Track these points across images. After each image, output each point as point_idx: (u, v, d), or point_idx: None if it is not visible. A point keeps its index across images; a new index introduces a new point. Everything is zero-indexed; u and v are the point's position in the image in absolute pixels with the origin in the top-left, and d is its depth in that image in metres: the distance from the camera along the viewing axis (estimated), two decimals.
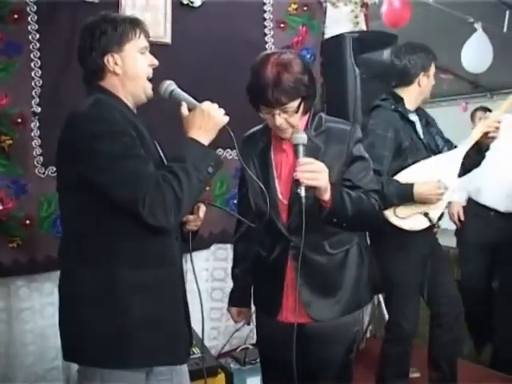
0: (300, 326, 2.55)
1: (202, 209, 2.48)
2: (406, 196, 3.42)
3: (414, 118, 3.69)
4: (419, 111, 3.78)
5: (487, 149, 3.61)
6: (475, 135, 3.53)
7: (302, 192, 2.32)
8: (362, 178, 2.60)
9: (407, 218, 3.47)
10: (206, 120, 2.21)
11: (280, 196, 2.59)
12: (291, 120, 2.49)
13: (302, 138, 2.39)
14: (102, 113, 2.12)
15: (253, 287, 2.86)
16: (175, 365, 2.36)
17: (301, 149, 2.38)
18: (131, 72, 2.27)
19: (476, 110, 5.99)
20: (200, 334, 2.86)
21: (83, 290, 2.15)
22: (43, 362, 3.84)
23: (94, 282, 2.14)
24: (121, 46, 2.24)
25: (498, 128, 3.50)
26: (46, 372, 3.86)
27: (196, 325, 2.79)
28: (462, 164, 3.61)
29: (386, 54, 4.60)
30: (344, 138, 2.58)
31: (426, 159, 3.56)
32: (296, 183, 2.34)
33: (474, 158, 3.61)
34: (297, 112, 2.49)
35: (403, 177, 3.49)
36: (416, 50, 3.70)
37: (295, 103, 2.46)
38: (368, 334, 5.24)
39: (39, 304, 3.81)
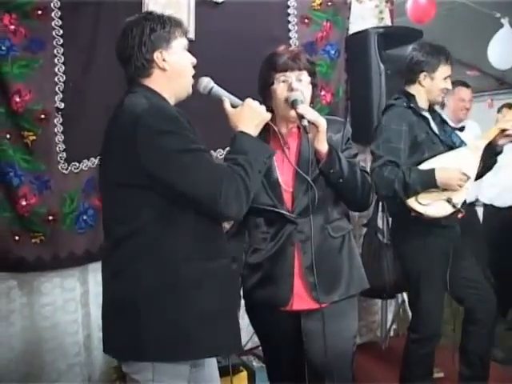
0: (305, 314, 2.74)
1: None
2: (429, 181, 3.44)
3: (427, 114, 3.69)
4: (432, 112, 3.78)
5: (500, 151, 3.59)
6: (493, 132, 3.52)
7: (305, 122, 2.52)
8: (353, 159, 2.79)
9: (430, 205, 3.46)
10: (256, 116, 2.36)
11: (284, 185, 2.74)
12: (304, 91, 2.68)
13: (298, 95, 2.61)
14: (165, 110, 2.20)
15: (252, 287, 2.86)
16: (234, 353, 2.49)
17: (299, 102, 2.58)
18: (178, 68, 2.33)
19: (503, 106, 5.93)
20: None
21: (145, 284, 2.17)
22: (65, 357, 3.84)
23: (156, 278, 2.17)
24: (169, 43, 2.31)
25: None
26: (69, 368, 3.86)
27: None
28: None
29: None
30: (339, 127, 2.83)
31: (444, 153, 3.57)
32: (300, 119, 2.54)
33: (486, 162, 3.61)
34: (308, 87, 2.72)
35: (423, 168, 3.51)
36: (425, 49, 3.68)
37: (308, 77, 2.72)
38: (391, 333, 5.20)
39: (61, 300, 3.82)
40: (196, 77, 2.44)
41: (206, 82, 2.44)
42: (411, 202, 3.48)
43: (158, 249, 2.17)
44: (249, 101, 2.36)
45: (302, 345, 2.80)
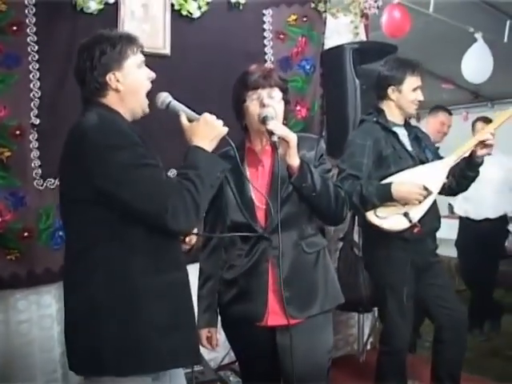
0: (281, 329, 2.74)
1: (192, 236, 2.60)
2: (385, 194, 3.49)
3: (398, 129, 3.72)
4: (408, 126, 3.81)
5: (481, 163, 3.60)
6: (467, 146, 3.54)
7: (275, 138, 2.54)
8: (326, 174, 2.81)
9: (387, 218, 3.50)
10: (210, 130, 2.34)
11: (257, 203, 2.77)
12: (276, 108, 2.69)
13: (269, 111, 2.63)
14: (113, 125, 2.21)
15: (228, 302, 2.88)
16: (192, 365, 2.49)
17: (270, 118, 2.60)
18: (132, 87, 2.35)
19: (477, 119, 6.01)
20: None
21: (101, 299, 2.18)
22: (42, 374, 3.81)
23: (112, 291, 2.18)
24: (121, 63, 2.31)
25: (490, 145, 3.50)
26: None
27: None
28: (458, 183, 3.67)
29: None
30: (313, 144, 2.85)
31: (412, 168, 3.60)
32: (270, 135, 2.56)
33: (468, 175, 3.64)
34: (280, 103, 2.75)
35: (386, 182, 3.55)
36: (390, 63, 3.75)
37: (280, 93, 2.74)
38: (368, 346, 5.22)
39: (37, 316, 3.78)
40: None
41: (164, 97, 2.44)
42: (369, 215, 3.54)
43: (111, 263, 2.18)
44: (205, 115, 2.36)
45: (278, 360, 2.81)
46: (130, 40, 2.36)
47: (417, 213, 3.49)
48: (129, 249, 2.20)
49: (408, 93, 3.67)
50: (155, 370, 2.25)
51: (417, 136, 3.81)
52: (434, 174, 3.55)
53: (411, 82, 3.67)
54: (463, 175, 3.64)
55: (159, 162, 2.30)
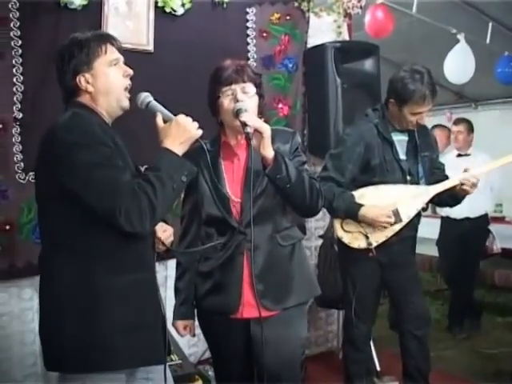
0: (254, 322, 2.75)
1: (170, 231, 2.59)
2: (352, 214, 3.54)
3: (396, 137, 3.64)
4: (411, 132, 3.66)
5: (463, 197, 3.63)
6: (449, 183, 3.55)
7: (249, 129, 2.52)
8: (301, 166, 2.79)
9: (350, 233, 3.59)
10: (182, 132, 2.34)
11: (233, 197, 2.77)
12: (249, 103, 2.69)
13: (243, 104, 2.64)
14: (80, 124, 2.22)
15: (203, 294, 2.89)
16: (154, 365, 2.41)
17: (243, 110, 2.59)
18: (104, 87, 2.36)
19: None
20: (179, 341, 2.87)
21: (64, 297, 2.21)
22: (22, 368, 3.82)
23: (74, 289, 2.20)
24: (89, 64, 2.33)
25: (474, 184, 3.49)
26: (24, 378, 3.83)
27: (174, 331, 2.84)
28: (443, 198, 3.66)
29: (368, 64, 4.66)
30: (288, 138, 2.85)
31: (398, 182, 3.59)
32: (244, 127, 2.53)
33: (450, 202, 3.72)
34: (254, 98, 2.75)
35: (361, 192, 3.58)
36: (405, 79, 3.47)
37: (254, 88, 2.75)
38: None
39: (18, 309, 3.80)
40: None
41: (144, 97, 2.45)
42: (336, 223, 3.64)
43: (74, 263, 2.21)
44: (178, 117, 2.36)
45: (251, 353, 2.83)
46: (100, 39, 2.38)
47: (378, 238, 3.56)
48: (91, 249, 2.22)
49: (407, 114, 3.53)
50: (118, 368, 2.26)
51: (416, 145, 3.66)
52: (411, 201, 3.56)
53: (413, 108, 3.49)
54: (453, 197, 3.66)
55: (129, 163, 2.33)
